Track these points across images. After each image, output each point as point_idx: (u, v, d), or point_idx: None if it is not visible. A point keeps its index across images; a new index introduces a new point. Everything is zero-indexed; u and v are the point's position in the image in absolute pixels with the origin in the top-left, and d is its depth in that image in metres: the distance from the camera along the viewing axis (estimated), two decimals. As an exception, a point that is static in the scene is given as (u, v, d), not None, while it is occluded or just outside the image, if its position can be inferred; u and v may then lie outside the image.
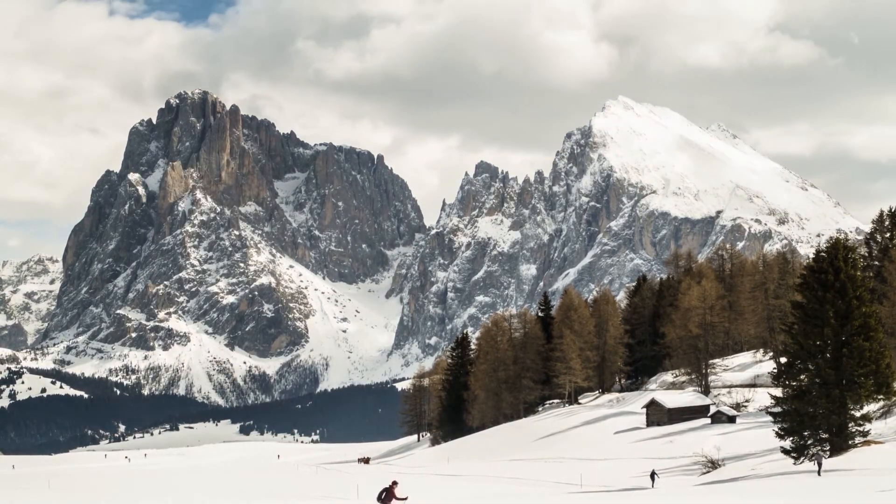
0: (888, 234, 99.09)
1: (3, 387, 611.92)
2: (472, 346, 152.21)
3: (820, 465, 51.84)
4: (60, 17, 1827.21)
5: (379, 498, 40.01)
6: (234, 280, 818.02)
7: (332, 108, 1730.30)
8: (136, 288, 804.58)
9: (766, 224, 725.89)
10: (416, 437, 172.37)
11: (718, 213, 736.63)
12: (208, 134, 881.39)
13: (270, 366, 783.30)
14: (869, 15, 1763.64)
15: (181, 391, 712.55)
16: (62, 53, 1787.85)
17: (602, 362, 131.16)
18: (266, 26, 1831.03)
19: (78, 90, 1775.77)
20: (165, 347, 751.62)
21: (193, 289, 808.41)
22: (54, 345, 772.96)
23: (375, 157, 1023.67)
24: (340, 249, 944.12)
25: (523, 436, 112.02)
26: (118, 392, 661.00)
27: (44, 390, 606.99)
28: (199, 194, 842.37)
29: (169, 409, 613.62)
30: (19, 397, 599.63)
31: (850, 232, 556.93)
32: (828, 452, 54.46)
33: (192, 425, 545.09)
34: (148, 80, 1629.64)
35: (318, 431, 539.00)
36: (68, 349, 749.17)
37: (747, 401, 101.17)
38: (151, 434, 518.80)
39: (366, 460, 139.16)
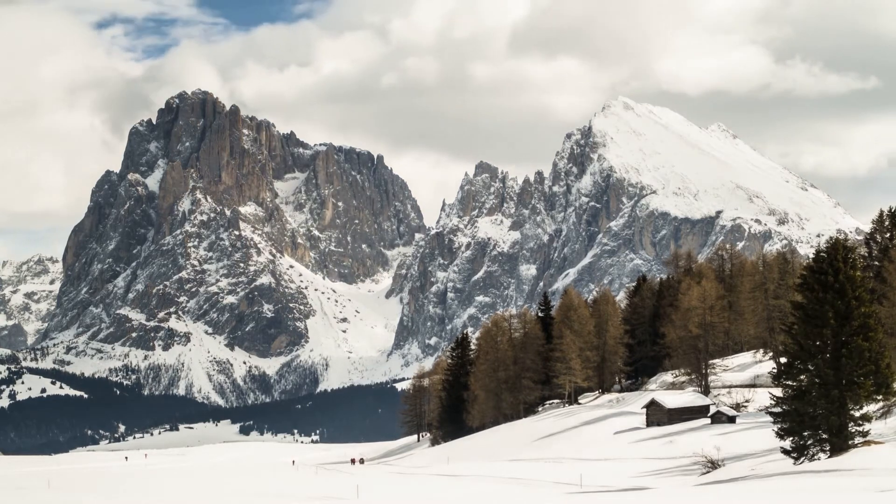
0: (888, 234, 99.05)
1: (3, 387, 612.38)
2: (472, 347, 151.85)
3: None
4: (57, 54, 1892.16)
5: None
6: (234, 280, 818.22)
7: (324, 116, 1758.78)
8: (136, 288, 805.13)
9: (766, 224, 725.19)
10: (415, 437, 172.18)
11: (718, 213, 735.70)
12: (208, 134, 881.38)
13: (270, 366, 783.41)
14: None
15: (181, 391, 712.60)
16: (62, 67, 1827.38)
17: (602, 362, 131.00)
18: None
19: (74, 94, 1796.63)
20: (165, 347, 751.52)
21: (193, 289, 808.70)
22: (54, 345, 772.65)
23: (375, 157, 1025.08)
24: (340, 249, 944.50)
25: (523, 436, 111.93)
26: (118, 392, 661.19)
27: (44, 390, 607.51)
28: (199, 194, 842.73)
29: (169, 409, 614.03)
30: (19, 397, 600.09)
31: (850, 232, 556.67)
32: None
33: (192, 425, 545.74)
34: (144, 89, 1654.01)
35: (317, 431, 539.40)
36: (68, 349, 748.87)
37: (747, 401, 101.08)
38: (151, 434, 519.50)
39: (359, 461, 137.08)
